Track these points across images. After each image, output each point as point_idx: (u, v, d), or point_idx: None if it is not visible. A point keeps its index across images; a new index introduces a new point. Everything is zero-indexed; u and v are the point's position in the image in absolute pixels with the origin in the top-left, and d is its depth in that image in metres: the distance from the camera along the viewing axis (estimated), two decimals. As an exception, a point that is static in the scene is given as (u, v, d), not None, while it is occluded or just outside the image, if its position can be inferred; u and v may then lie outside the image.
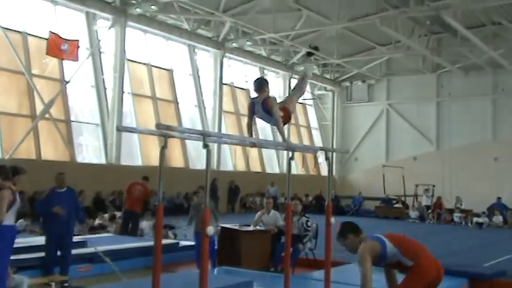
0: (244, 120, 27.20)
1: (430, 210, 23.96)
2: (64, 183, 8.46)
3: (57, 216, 8.17)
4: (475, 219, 21.84)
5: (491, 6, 21.03)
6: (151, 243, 8.54)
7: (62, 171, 8.78)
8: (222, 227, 10.11)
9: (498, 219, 22.03)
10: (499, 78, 27.24)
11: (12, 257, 6.61)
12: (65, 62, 18.98)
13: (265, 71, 28.57)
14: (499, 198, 23.66)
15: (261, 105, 5.91)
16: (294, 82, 29.71)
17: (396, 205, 25.83)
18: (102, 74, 20.39)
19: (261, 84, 6.04)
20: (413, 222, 23.40)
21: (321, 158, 27.24)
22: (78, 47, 18.80)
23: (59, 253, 8.31)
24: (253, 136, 6.68)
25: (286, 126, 7.34)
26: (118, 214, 14.43)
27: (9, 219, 6.23)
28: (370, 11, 23.48)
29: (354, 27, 24.64)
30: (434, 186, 25.64)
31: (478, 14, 23.29)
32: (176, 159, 22.72)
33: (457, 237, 18.33)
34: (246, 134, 6.47)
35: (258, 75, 27.93)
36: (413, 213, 24.25)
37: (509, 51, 24.08)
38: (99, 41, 20.26)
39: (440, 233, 19.17)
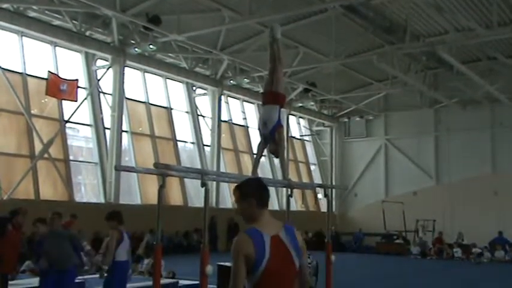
0: (243, 157, 27.12)
1: (431, 246, 23.79)
2: (59, 223, 8.34)
3: (52, 257, 7.99)
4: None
5: (486, 42, 21.23)
6: (150, 283, 8.43)
7: (59, 211, 8.62)
8: (221, 265, 9.97)
9: (500, 254, 21.86)
10: (497, 112, 27.27)
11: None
12: (64, 102, 19.08)
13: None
14: (500, 233, 23.50)
15: (272, 129, 6.96)
16: (292, 118, 29.89)
17: (397, 241, 25.64)
18: (101, 113, 20.48)
19: None
20: (415, 258, 23.21)
21: (321, 194, 27.29)
22: (78, 87, 18.94)
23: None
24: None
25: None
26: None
27: (121, 256, 7.75)
28: (367, 48, 23.77)
29: (351, 63, 24.83)
30: (434, 221, 25.51)
31: (473, 49, 23.54)
32: (175, 197, 22.62)
33: (458, 273, 18.15)
34: (245, 171, 6.66)
35: (256, 112, 28.14)
36: (414, 249, 24.05)
37: (506, 86, 24.20)
38: (98, 80, 20.40)
39: (441, 270, 18.98)
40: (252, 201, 3.46)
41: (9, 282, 8.80)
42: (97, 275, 11.90)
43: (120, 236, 7.76)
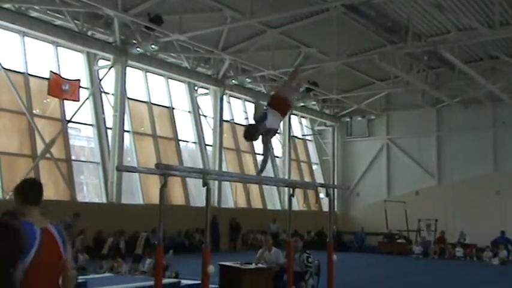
0: (245, 157, 27.11)
1: (432, 246, 23.79)
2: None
3: None
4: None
5: (487, 41, 21.19)
6: (151, 283, 8.42)
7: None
8: (223, 265, 9.98)
9: (503, 253, 21.81)
10: (499, 111, 27.24)
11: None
12: (66, 102, 19.10)
13: (265, 107, 28.59)
14: (502, 232, 23.45)
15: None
16: (294, 118, 29.87)
17: (399, 240, 25.62)
18: (103, 113, 20.49)
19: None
20: (417, 257, 23.20)
21: (322, 193, 27.29)
22: (79, 87, 18.98)
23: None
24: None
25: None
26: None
27: None
28: (368, 47, 23.74)
29: (353, 63, 24.80)
30: (437, 220, 25.48)
31: (475, 49, 23.50)
32: (177, 197, 22.64)
33: (460, 274, 18.14)
34: (247, 171, 6.66)
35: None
36: (416, 249, 24.04)
37: (508, 85, 24.17)
38: (100, 80, 20.41)
39: (444, 269, 18.97)
40: (20, 198, 3.76)
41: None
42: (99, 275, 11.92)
43: None
